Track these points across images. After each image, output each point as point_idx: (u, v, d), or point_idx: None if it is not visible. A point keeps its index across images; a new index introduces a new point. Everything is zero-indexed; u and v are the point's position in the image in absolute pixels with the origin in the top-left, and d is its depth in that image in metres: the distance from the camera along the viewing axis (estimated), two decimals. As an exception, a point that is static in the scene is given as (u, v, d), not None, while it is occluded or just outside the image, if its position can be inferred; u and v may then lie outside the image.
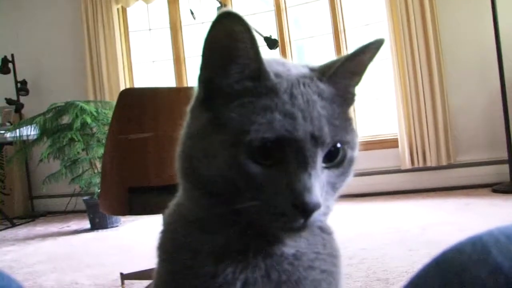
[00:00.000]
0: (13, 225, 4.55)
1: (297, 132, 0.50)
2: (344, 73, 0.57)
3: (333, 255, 0.64)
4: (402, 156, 4.10)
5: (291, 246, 0.57)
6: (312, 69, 0.58)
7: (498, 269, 0.41)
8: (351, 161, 0.56)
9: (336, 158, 0.54)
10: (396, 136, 4.16)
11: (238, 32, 0.51)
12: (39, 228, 4.40)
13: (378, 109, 4.60)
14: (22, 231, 4.35)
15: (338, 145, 0.54)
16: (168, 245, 0.61)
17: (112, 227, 4.11)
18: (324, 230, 0.65)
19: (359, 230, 3.13)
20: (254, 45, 0.52)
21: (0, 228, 4.45)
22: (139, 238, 3.62)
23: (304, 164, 0.50)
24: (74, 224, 4.40)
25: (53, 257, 3.24)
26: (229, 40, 0.52)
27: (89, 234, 3.97)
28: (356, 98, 0.61)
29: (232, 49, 0.53)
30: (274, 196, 0.50)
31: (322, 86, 0.55)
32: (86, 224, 4.21)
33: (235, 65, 0.53)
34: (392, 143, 4.21)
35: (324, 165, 0.53)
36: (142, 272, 2.47)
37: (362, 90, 4.36)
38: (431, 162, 4.00)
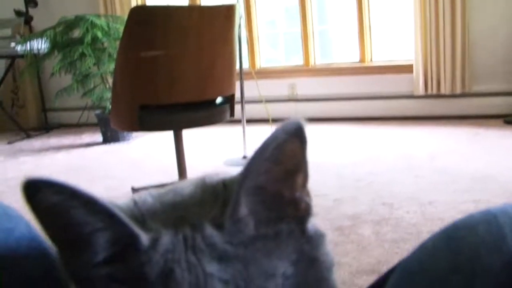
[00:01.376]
0: (29, 137, 4.66)
1: None
2: (263, 190, 0.38)
3: None
4: (416, 82, 4.03)
5: None
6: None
7: None
8: None
9: None
10: (411, 61, 4.07)
11: (59, 204, 0.35)
12: (53, 140, 4.50)
13: (394, 33, 4.47)
14: (37, 142, 4.45)
15: None
16: None
17: (124, 140, 4.18)
18: None
19: (368, 153, 3.16)
20: (96, 210, 0.35)
21: (16, 139, 4.55)
22: (150, 152, 3.69)
23: None
24: (87, 137, 4.48)
25: (68, 169, 3.34)
26: (53, 219, 0.36)
27: (101, 147, 4.05)
28: (310, 208, 0.41)
29: (64, 228, 0.36)
30: None
31: (222, 242, 0.36)
32: (99, 137, 4.29)
33: (82, 245, 0.36)
34: (406, 68, 4.12)
35: None
36: (152, 186, 2.54)
37: (377, 11, 4.25)
38: (445, 89, 3.93)
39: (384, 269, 1.55)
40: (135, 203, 0.40)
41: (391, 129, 3.82)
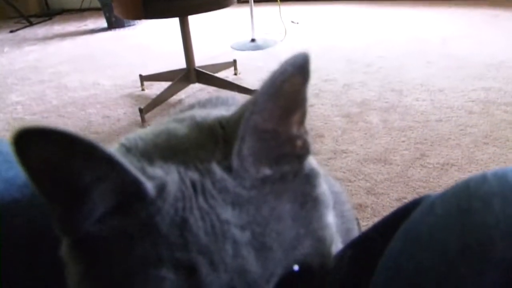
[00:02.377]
0: (31, 24, 4.54)
1: None
2: (262, 129, 0.36)
3: None
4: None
5: None
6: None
7: None
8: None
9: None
10: None
11: (55, 154, 0.31)
12: (57, 27, 4.39)
13: None
14: (41, 30, 4.35)
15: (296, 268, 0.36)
16: None
17: (129, 26, 4.08)
18: None
19: (379, 37, 3.07)
20: (96, 156, 0.32)
21: (18, 27, 4.44)
22: (156, 38, 3.61)
23: None
24: (91, 23, 4.37)
25: (74, 57, 3.30)
26: (49, 172, 0.32)
27: (106, 34, 3.96)
28: (308, 145, 0.40)
29: (61, 180, 0.33)
30: None
31: (234, 185, 0.35)
32: (103, 23, 4.18)
33: (80, 198, 0.34)
34: None
35: None
36: (160, 74, 2.54)
37: None
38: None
39: (391, 158, 1.59)
40: (127, 149, 0.38)
41: (403, 10, 3.67)
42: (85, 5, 4.73)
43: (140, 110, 2.13)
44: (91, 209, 0.34)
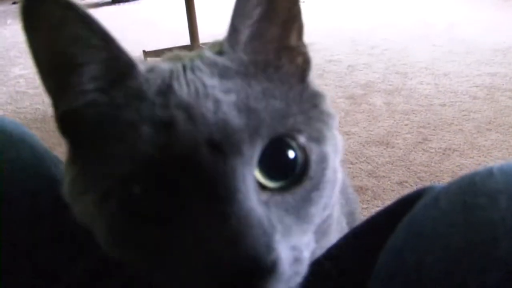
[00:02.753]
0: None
1: (178, 144, 0.31)
2: (259, 27, 0.37)
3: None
4: None
5: None
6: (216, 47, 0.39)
7: None
8: (323, 164, 0.35)
9: (287, 168, 0.34)
10: None
11: (59, 17, 0.34)
12: None
13: None
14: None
15: (288, 152, 0.34)
16: None
17: (134, 0, 4.05)
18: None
19: (385, 19, 3.04)
20: (93, 28, 0.35)
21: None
22: (161, 14, 3.59)
23: (211, 198, 0.30)
24: (95, -3, 4.34)
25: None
26: (50, 37, 0.35)
27: (110, 8, 3.94)
28: (309, 60, 0.41)
29: (59, 47, 0.35)
30: (180, 271, 0.31)
31: (224, 60, 0.36)
32: (107, -3, 4.15)
33: (75, 69, 0.36)
34: None
35: (268, 184, 0.33)
36: (164, 50, 2.52)
37: None
38: None
39: (393, 141, 1.58)
40: None
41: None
42: (89, -22, 4.67)
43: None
44: (84, 81, 0.36)
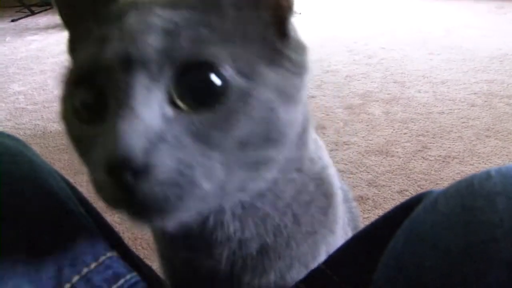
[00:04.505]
0: (33, 13, 4.53)
1: (104, 55, 0.36)
2: None
3: (309, 231, 0.49)
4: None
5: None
6: None
7: None
8: (248, 99, 0.35)
9: (205, 92, 0.35)
10: None
11: None
12: (59, 17, 4.37)
13: None
14: (42, 19, 4.34)
15: (209, 75, 0.35)
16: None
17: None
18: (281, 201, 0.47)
19: (381, 28, 3.05)
20: None
21: (20, 16, 4.43)
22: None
23: (116, 102, 0.34)
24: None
25: (76, 47, 3.28)
26: None
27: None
28: (291, 6, 0.42)
29: None
30: (94, 159, 0.35)
31: None
32: (105, 13, 4.17)
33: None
34: None
35: (180, 104, 0.35)
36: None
37: None
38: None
39: (393, 150, 1.58)
40: None
41: (406, 1, 3.65)
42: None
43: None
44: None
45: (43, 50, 3.26)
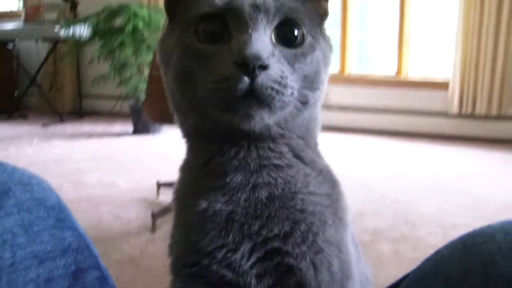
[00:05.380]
0: (62, 121, 4.77)
1: (238, 3, 0.50)
2: None
3: (330, 196, 0.58)
4: (451, 99, 3.95)
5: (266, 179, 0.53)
6: None
7: None
8: (312, 49, 0.52)
9: (292, 38, 0.51)
10: (448, 79, 3.99)
11: None
12: (86, 127, 4.60)
13: (432, 47, 4.40)
14: (71, 127, 4.56)
15: (295, 30, 0.52)
16: (179, 187, 0.62)
17: (153, 133, 4.24)
18: (317, 168, 0.60)
19: (395, 170, 3.12)
20: None
21: (51, 122, 4.67)
22: (178, 147, 3.72)
23: (244, 27, 0.49)
24: (118, 126, 4.57)
25: (97, 157, 3.41)
26: None
27: (131, 138, 4.12)
28: (327, 8, 0.58)
29: None
30: (219, 64, 0.49)
31: None
32: (129, 127, 4.36)
33: None
34: (442, 85, 4.04)
35: (275, 43, 0.51)
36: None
37: (419, 23, 4.18)
38: (480, 109, 3.85)
39: (400, 289, 1.54)
40: None
41: (421, 146, 3.76)
42: (116, 109, 4.97)
43: (153, 215, 2.13)
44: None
45: (65, 155, 3.38)
